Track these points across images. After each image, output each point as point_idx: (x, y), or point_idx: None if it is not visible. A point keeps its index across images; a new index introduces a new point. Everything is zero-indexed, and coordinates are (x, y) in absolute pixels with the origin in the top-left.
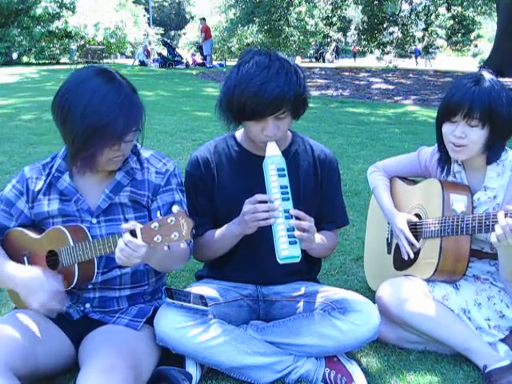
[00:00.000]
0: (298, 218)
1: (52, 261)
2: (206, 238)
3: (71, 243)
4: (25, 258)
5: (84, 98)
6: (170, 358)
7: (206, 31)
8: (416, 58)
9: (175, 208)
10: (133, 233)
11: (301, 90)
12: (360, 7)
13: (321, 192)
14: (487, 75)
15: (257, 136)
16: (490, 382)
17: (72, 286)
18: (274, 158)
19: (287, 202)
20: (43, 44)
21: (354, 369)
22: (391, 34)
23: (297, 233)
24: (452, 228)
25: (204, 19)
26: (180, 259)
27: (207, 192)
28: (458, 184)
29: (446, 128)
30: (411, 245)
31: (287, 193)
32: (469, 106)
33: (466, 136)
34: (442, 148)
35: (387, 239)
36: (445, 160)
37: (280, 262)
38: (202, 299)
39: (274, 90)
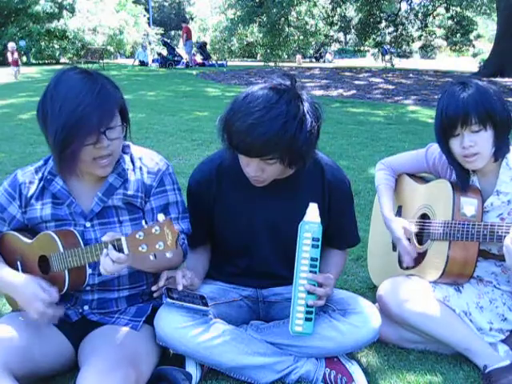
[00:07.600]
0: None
1: (44, 265)
2: (196, 254)
3: (61, 250)
4: (18, 263)
5: (60, 97)
6: (169, 358)
7: (186, 32)
8: (383, 56)
9: (161, 216)
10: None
11: (298, 143)
12: (355, 6)
13: (328, 213)
14: (471, 80)
15: (243, 167)
16: (490, 382)
17: (63, 291)
18: (311, 225)
19: (314, 276)
20: (42, 44)
21: (354, 369)
22: (390, 33)
23: (310, 302)
24: (462, 233)
25: (184, 21)
26: (172, 262)
27: (206, 208)
28: (469, 186)
29: (453, 144)
30: (414, 246)
31: (316, 266)
32: (463, 115)
33: (476, 143)
34: (455, 164)
35: None
36: (463, 175)
37: (291, 333)
38: (202, 299)
39: (261, 136)
